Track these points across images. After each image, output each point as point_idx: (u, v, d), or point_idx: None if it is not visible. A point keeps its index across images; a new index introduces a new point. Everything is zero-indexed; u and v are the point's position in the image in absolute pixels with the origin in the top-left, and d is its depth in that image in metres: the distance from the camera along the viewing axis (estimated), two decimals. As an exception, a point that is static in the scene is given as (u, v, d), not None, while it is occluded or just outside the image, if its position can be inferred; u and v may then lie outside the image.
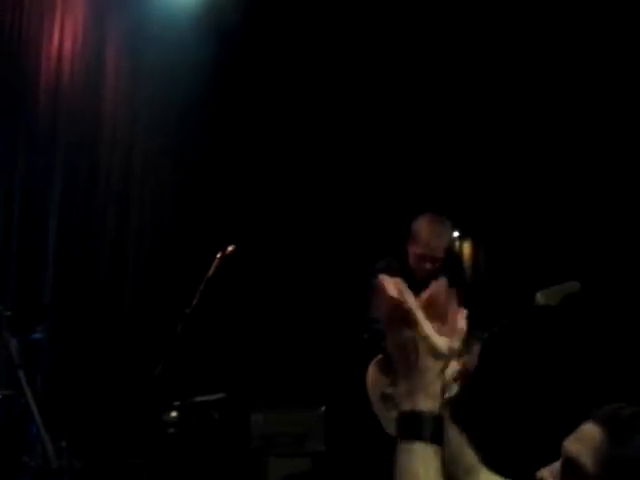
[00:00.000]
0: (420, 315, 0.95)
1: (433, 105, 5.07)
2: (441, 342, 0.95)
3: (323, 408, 4.42)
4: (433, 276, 3.10)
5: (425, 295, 0.99)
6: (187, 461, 4.12)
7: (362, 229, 4.91)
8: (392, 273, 3.03)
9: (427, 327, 0.95)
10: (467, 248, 5.50)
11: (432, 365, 0.94)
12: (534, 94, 4.87)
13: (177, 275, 4.72)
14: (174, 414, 3.99)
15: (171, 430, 4.03)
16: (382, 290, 0.96)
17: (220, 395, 4.36)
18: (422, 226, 3.06)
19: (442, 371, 0.95)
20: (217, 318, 4.77)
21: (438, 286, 1.00)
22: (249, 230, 4.88)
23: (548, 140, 4.81)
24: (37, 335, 3.97)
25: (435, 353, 0.94)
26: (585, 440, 1.15)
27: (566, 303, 2.86)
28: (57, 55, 4.85)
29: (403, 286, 0.96)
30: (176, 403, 3.87)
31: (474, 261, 5.43)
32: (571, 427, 1.20)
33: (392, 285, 0.96)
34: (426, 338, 0.94)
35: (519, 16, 4.71)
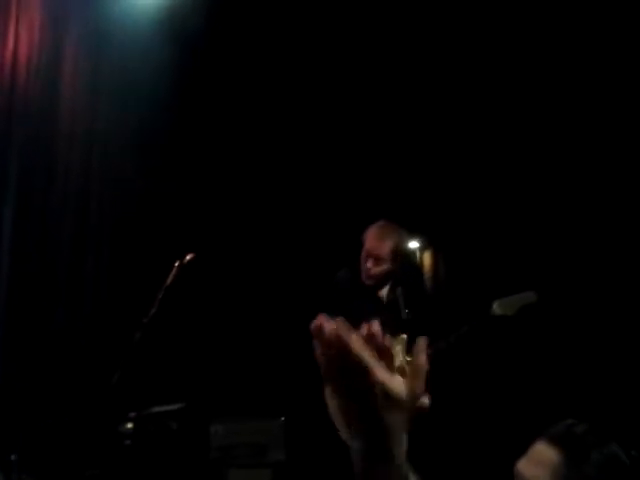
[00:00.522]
0: (369, 358, 0.76)
1: (392, 115, 5.11)
2: (399, 386, 0.77)
3: (283, 418, 4.39)
4: (384, 282, 3.13)
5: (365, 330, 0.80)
6: (145, 473, 4.04)
7: (321, 238, 4.92)
8: (350, 282, 3.04)
9: (379, 371, 0.76)
10: (427, 258, 5.55)
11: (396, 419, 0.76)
12: (487, 105, 4.94)
13: (135, 283, 4.64)
14: (130, 425, 3.91)
15: (127, 442, 3.95)
16: (320, 334, 0.79)
17: (178, 405, 4.29)
18: (368, 229, 3.15)
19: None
20: (175, 327, 4.70)
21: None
22: (207, 238, 4.83)
23: (504, 151, 4.89)
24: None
25: (394, 402, 0.76)
26: (541, 463, 1.11)
27: (522, 313, 2.90)
28: (12, 59, 4.74)
29: (345, 329, 0.78)
30: (132, 414, 3.80)
31: (434, 271, 5.49)
32: (526, 442, 1.17)
33: (332, 328, 0.78)
34: (381, 385, 0.76)
35: (512, 17, 4.73)
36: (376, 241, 3.08)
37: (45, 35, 4.91)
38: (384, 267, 3.07)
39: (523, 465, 1.13)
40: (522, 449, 1.15)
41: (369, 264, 3.08)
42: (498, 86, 4.87)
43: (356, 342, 0.76)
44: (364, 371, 0.75)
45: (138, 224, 5.01)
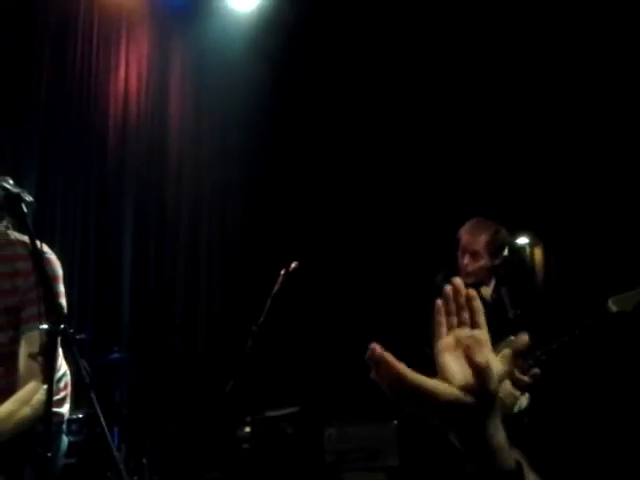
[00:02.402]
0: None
1: (497, 115, 4.97)
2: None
3: (396, 422, 4.38)
4: (484, 279, 3.04)
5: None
6: (263, 476, 4.17)
7: (423, 242, 4.87)
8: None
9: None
10: (538, 254, 5.33)
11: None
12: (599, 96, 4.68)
13: (245, 294, 4.82)
14: (247, 429, 4.07)
15: (245, 445, 4.10)
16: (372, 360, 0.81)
17: (292, 409, 4.40)
18: (463, 226, 3.09)
19: None
20: (289, 333, 4.84)
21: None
22: (311, 247, 4.95)
23: (620, 148, 4.61)
24: (115, 355, 4.16)
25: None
26: None
27: (640, 309, 2.72)
28: (124, 89, 5.12)
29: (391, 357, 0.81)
30: (248, 418, 3.94)
31: (546, 268, 5.26)
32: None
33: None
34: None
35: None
36: (470, 236, 3.01)
37: (152, 64, 5.27)
38: (481, 262, 2.99)
39: None
40: None
41: (465, 260, 3.01)
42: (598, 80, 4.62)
43: (403, 369, 0.79)
44: (423, 395, 0.78)
45: (245, 235, 5.22)
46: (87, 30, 5.06)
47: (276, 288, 3.49)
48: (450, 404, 0.78)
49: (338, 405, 4.69)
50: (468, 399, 0.77)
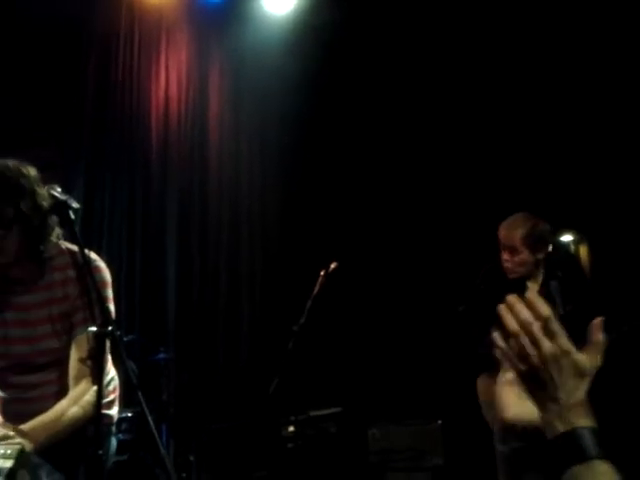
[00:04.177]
0: (558, 326, 0.88)
1: (542, 111, 4.88)
2: (582, 358, 0.88)
3: (440, 421, 4.35)
4: (528, 274, 3.00)
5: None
6: (307, 475, 4.20)
7: (466, 240, 4.82)
8: (494, 281, 2.94)
9: (566, 341, 0.87)
10: (583, 252, 5.22)
11: (576, 384, 0.86)
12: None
13: (287, 296, 4.87)
14: (291, 429, 4.11)
15: (290, 445, 4.15)
16: (511, 305, 0.91)
17: (335, 409, 4.42)
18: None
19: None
20: (332, 333, 4.86)
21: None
22: (351, 246, 4.96)
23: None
24: (161, 355, 4.27)
25: (578, 371, 0.87)
26: None
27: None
28: (164, 96, 5.24)
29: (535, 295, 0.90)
30: (292, 418, 3.98)
31: (591, 265, 5.14)
32: None
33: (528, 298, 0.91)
34: (568, 354, 0.87)
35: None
36: (507, 231, 3.00)
37: (191, 69, 5.37)
38: (521, 257, 2.96)
39: None
40: None
41: (505, 256, 3.00)
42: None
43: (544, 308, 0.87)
44: (554, 335, 0.86)
45: (284, 236, 5.27)
46: (129, 40, 5.19)
47: (316, 289, 3.53)
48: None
49: (381, 405, 4.69)
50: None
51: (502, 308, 0.93)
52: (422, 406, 4.52)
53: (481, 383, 3.17)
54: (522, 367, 0.90)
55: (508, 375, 0.96)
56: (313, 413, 4.24)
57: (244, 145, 5.41)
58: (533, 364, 0.88)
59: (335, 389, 4.74)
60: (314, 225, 5.17)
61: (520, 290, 3.18)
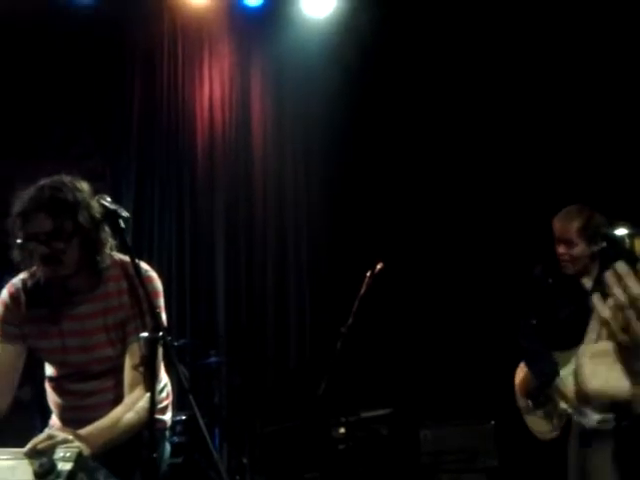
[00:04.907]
0: None
1: (597, 105, 4.75)
2: None
3: (493, 422, 4.28)
4: (584, 268, 2.92)
5: None
6: (359, 476, 4.20)
7: (518, 235, 4.73)
8: (549, 277, 2.86)
9: None
10: (638, 246, 5.04)
11: None
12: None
13: (335, 297, 4.88)
14: (342, 430, 4.11)
15: (341, 446, 4.15)
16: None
17: (386, 410, 4.40)
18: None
19: None
20: (381, 334, 4.85)
21: None
22: (398, 246, 4.93)
23: None
24: (212, 359, 4.33)
25: None
26: None
27: None
28: (209, 101, 5.33)
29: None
30: (342, 419, 3.98)
31: (647, 257, 4.96)
32: None
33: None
34: None
35: None
36: (562, 224, 2.92)
37: (234, 76, 5.44)
38: (577, 250, 2.88)
39: None
40: None
41: (561, 249, 2.92)
42: None
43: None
44: None
45: (330, 239, 5.29)
46: (172, 52, 5.31)
47: (363, 290, 3.52)
48: None
49: (433, 406, 4.64)
50: None
51: (610, 276, 0.92)
52: (474, 406, 4.46)
53: (520, 371, 3.13)
54: (624, 338, 0.89)
55: (599, 346, 0.94)
56: (364, 414, 4.23)
57: (288, 149, 5.45)
58: (636, 337, 0.87)
59: (386, 390, 4.72)
60: (359, 226, 5.16)
61: (577, 289, 3.08)
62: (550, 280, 3.01)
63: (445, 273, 5.02)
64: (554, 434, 2.94)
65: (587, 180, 4.54)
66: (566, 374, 2.82)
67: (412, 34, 5.19)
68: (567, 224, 2.92)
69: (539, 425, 3.04)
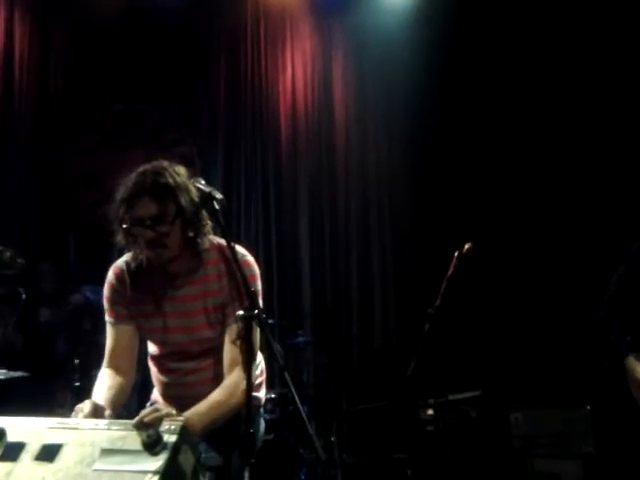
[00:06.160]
0: None
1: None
2: None
3: (588, 407, 4.12)
4: None
5: None
6: (448, 459, 4.16)
7: (602, 216, 4.53)
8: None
9: None
10: None
11: None
12: None
13: (422, 278, 4.83)
14: (430, 412, 4.08)
15: (429, 428, 4.13)
16: None
17: (475, 393, 4.33)
18: None
19: None
20: (471, 315, 4.77)
21: None
22: (489, 227, 4.82)
23: None
24: (300, 339, 4.40)
25: None
26: None
27: None
28: (291, 84, 5.37)
29: None
30: (431, 401, 3.95)
31: None
32: None
33: None
34: None
35: None
36: None
37: (316, 59, 5.47)
38: None
39: None
40: None
41: None
42: None
43: None
44: None
45: (416, 219, 5.24)
46: (255, 36, 5.38)
47: (450, 270, 3.46)
48: None
49: (523, 388, 4.52)
50: None
51: None
52: (568, 391, 4.31)
53: (631, 361, 2.98)
54: None
55: None
56: (452, 397, 4.17)
57: (370, 130, 5.43)
58: None
59: (475, 372, 4.64)
60: (445, 207, 5.09)
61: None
62: None
63: (539, 252, 4.88)
64: None
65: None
66: None
67: (492, 17, 5.05)
68: None
69: None
